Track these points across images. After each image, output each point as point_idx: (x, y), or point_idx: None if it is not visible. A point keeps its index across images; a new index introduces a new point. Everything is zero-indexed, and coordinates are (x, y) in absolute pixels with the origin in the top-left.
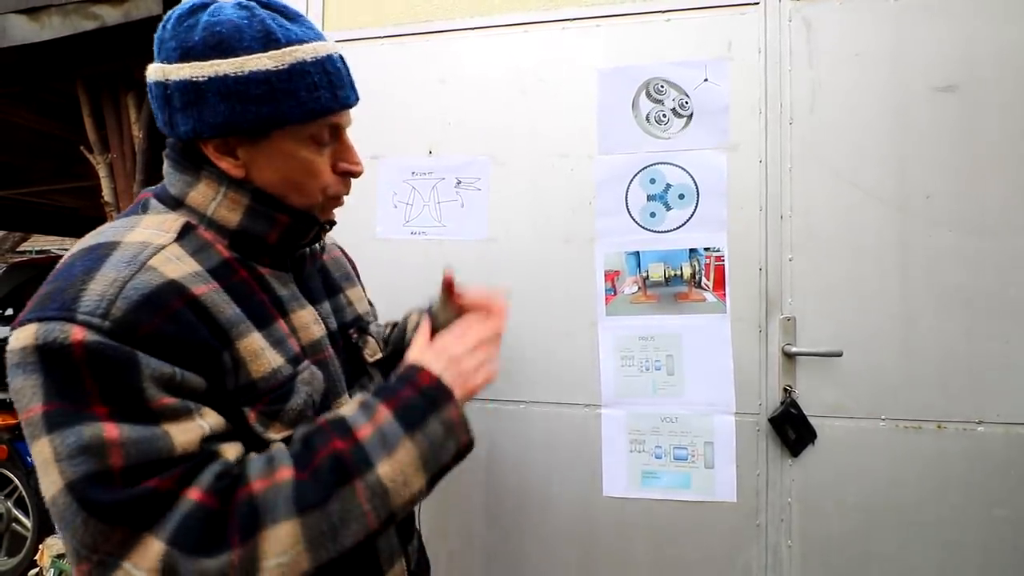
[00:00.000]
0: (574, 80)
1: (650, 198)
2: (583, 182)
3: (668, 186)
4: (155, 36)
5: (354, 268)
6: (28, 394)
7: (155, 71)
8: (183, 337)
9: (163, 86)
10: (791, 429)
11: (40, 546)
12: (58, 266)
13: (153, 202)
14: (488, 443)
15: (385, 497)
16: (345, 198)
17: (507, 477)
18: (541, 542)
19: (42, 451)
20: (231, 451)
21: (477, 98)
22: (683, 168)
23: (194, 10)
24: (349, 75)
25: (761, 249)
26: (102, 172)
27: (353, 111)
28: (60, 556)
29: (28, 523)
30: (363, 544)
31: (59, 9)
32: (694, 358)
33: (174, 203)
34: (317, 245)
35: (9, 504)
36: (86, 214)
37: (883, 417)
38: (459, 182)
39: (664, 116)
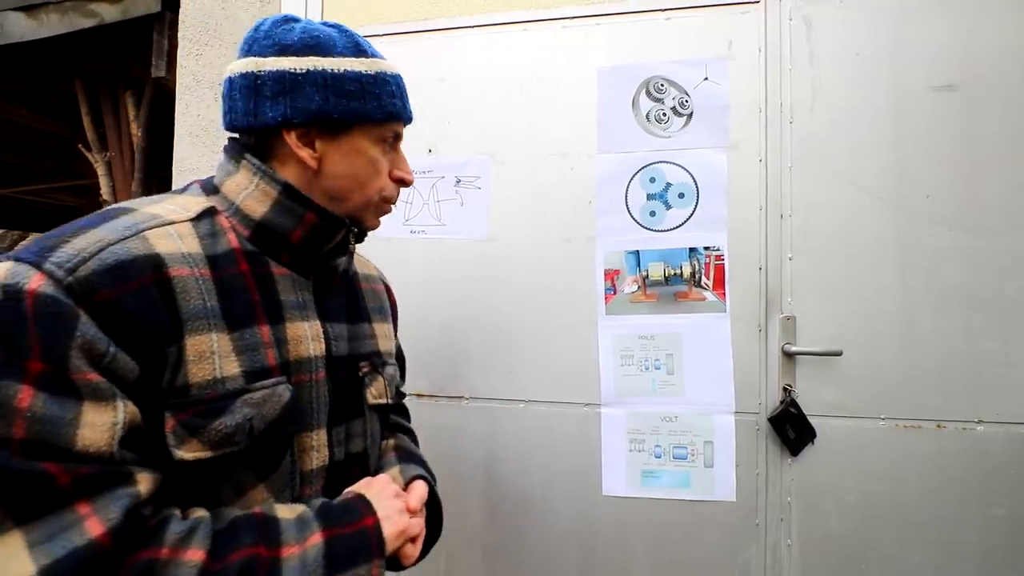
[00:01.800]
0: (574, 79)
1: (650, 197)
2: (583, 181)
3: (668, 185)
4: (244, 38)
5: (393, 309)
6: None
7: (245, 64)
8: (138, 314)
9: (253, 76)
10: (791, 428)
11: None
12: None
13: (194, 187)
14: (487, 442)
15: None
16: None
17: (506, 476)
18: (541, 541)
19: None
20: (145, 482)
21: (477, 97)
22: (683, 167)
23: (287, 20)
24: (407, 95)
25: (761, 248)
26: (100, 170)
27: None
28: None
29: None
30: None
31: (57, 6)
32: (694, 357)
33: (212, 189)
34: (347, 260)
35: None
36: (85, 212)
37: (882, 416)
38: (459, 181)
39: (664, 115)
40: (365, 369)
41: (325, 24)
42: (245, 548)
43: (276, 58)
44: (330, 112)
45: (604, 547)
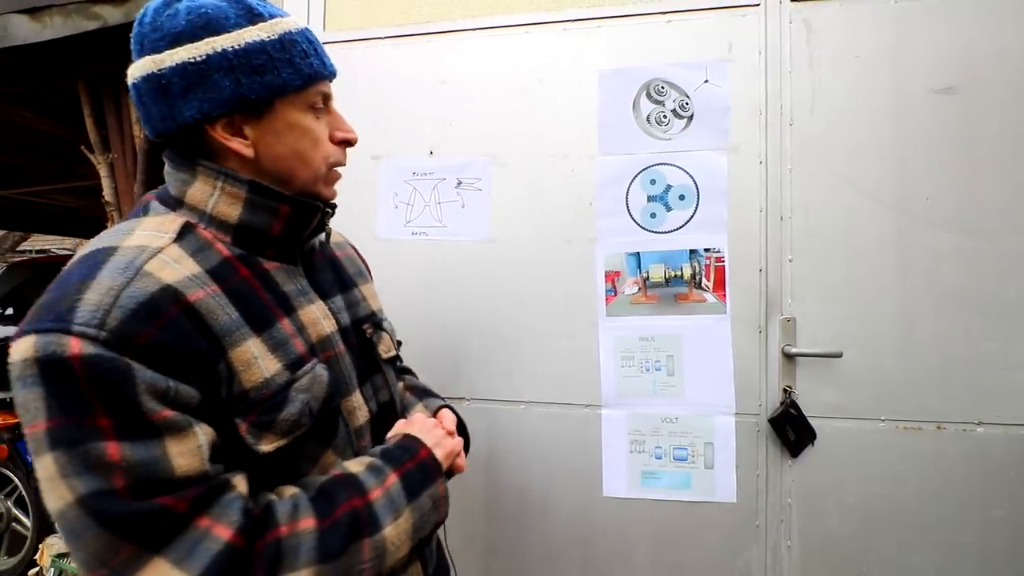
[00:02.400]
0: (575, 81)
1: (650, 199)
2: (584, 183)
3: (668, 187)
4: (131, 36)
5: (366, 266)
6: (31, 408)
7: (142, 65)
8: (179, 346)
9: (156, 77)
10: (791, 430)
11: (40, 545)
12: (58, 276)
13: (154, 204)
14: (488, 444)
15: (383, 558)
16: (340, 198)
17: (507, 477)
18: (541, 542)
19: (47, 467)
20: (241, 483)
21: (478, 99)
22: (683, 169)
23: (168, 2)
24: (322, 47)
25: (761, 250)
26: (103, 172)
27: (354, 112)
28: (60, 556)
29: (28, 522)
30: None
31: (60, 9)
32: (694, 359)
33: (175, 203)
34: (323, 236)
35: (9, 504)
36: (87, 213)
37: (883, 418)
38: (460, 183)
39: (665, 117)
40: (369, 331)
41: None
42: (342, 503)
43: (171, 50)
44: (246, 95)
45: (605, 548)
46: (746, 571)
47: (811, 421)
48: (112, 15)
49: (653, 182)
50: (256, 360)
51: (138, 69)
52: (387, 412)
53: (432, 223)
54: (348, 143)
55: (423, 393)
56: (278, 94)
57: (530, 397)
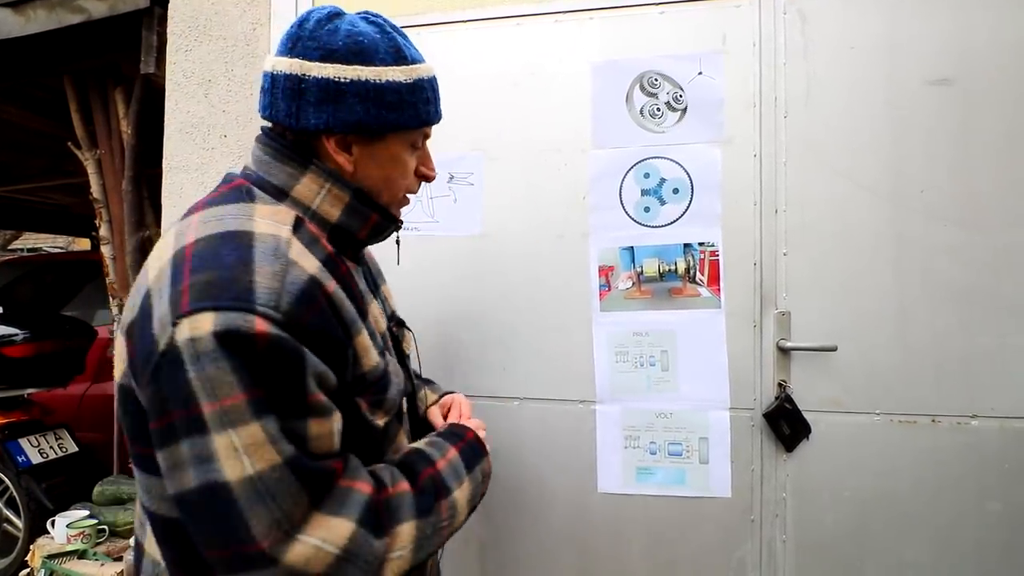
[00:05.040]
0: (567, 73)
1: (644, 193)
2: (576, 177)
3: (662, 180)
4: (285, 34)
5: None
6: (223, 383)
7: (291, 64)
8: (328, 331)
9: (298, 79)
10: (786, 424)
11: (31, 546)
12: (189, 253)
13: (257, 191)
14: None
15: (454, 517)
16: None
17: (502, 474)
18: (536, 539)
19: (254, 435)
20: (355, 458)
21: (469, 92)
22: (677, 162)
23: (331, 16)
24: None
25: (756, 244)
26: (90, 168)
27: None
28: (51, 556)
29: (19, 523)
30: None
31: (44, 2)
32: (689, 354)
33: (277, 193)
34: None
35: (0, 504)
36: (78, 211)
37: (878, 412)
38: (452, 177)
39: (658, 110)
40: (394, 328)
41: (366, 19)
42: (422, 471)
43: (321, 64)
44: (369, 123)
45: (599, 544)
46: (741, 566)
47: (806, 415)
48: (97, 8)
49: (647, 176)
50: (368, 348)
51: (283, 65)
52: (410, 404)
53: (424, 218)
54: (427, 179)
55: (426, 381)
56: (394, 129)
57: (524, 394)
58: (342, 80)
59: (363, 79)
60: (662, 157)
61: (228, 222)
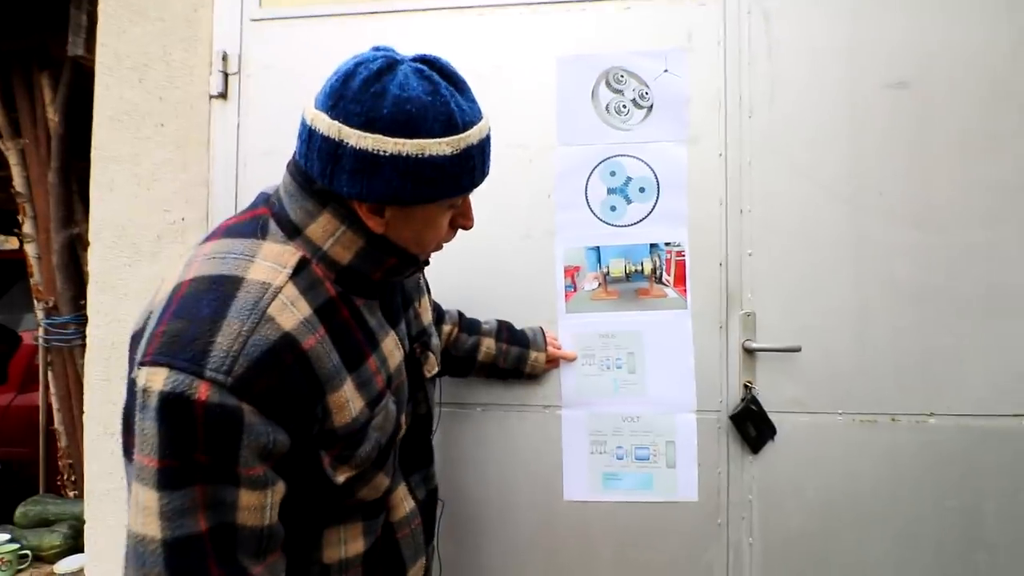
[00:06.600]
0: (532, 68)
1: (610, 191)
2: (542, 174)
3: (628, 179)
4: (329, 85)
5: (425, 280)
6: (147, 441)
7: (329, 127)
8: (288, 392)
9: (335, 144)
10: (752, 426)
11: None
12: (181, 293)
13: (272, 225)
14: (443, 449)
15: None
16: None
17: (463, 484)
18: (501, 550)
19: (149, 501)
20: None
21: None
22: (644, 161)
23: (380, 74)
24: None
25: (721, 244)
26: (12, 159)
27: (292, 96)
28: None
29: None
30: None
31: None
32: (655, 355)
33: (292, 229)
34: None
35: None
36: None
37: (840, 412)
38: None
39: (624, 107)
40: (418, 350)
41: (420, 73)
42: None
43: (361, 133)
44: (404, 197)
45: (567, 553)
46: (708, 571)
47: (771, 416)
48: None
49: (613, 174)
50: (347, 403)
51: (322, 125)
52: (421, 423)
53: None
54: (464, 228)
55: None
56: (431, 201)
57: (486, 399)
58: (381, 153)
59: (403, 154)
60: (628, 155)
61: (228, 263)
